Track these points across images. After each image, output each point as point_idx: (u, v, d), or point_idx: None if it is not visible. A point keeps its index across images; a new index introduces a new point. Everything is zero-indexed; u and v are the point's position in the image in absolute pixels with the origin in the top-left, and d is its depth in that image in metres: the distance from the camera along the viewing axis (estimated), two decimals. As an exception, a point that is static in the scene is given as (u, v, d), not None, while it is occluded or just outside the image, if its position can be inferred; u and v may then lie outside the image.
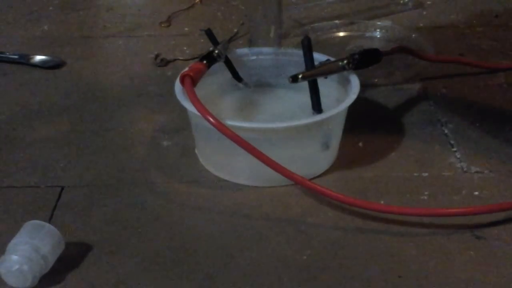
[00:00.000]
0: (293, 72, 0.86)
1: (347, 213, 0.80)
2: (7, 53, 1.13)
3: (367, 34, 1.14)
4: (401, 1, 1.25)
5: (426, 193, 0.83)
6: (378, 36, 1.14)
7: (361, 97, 0.91)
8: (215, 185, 0.85)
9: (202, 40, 1.15)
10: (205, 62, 0.86)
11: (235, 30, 1.18)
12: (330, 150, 0.86)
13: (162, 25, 1.22)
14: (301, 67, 0.88)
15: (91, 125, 0.96)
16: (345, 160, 0.88)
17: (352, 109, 0.85)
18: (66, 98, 1.03)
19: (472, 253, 0.74)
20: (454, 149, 0.90)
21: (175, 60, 1.11)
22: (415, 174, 0.86)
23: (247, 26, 1.19)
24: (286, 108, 0.91)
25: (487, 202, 0.81)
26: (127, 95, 1.03)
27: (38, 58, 1.11)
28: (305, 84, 0.87)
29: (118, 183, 0.85)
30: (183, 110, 0.85)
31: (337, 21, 1.17)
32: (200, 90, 0.83)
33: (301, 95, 0.90)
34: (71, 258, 0.74)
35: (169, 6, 1.27)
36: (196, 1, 1.29)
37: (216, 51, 0.88)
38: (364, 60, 0.90)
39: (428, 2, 1.27)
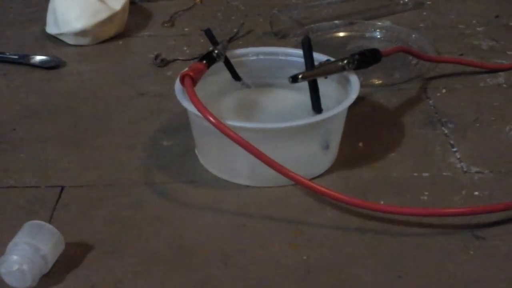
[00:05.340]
0: (293, 72, 0.86)
1: (347, 213, 0.80)
2: (7, 53, 1.13)
3: (367, 34, 1.14)
4: (401, 1, 1.25)
5: (426, 193, 0.83)
6: (378, 36, 1.14)
7: (361, 97, 0.92)
8: (215, 185, 0.85)
9: (202, 40, 1.15)
10: (204, 62, 0.86)
11: (235, 30, 1.18)
12: (330, 150, 0.86)
13: (165, 25, 1.22)
14: (301, 67, 0.88)
15: (91, 125, 0.96)
16: (345, 160, 0.88)
17: (352, 109, 0.85)
18: (66, 98, 1.03)
19: (472, 253, 0.74)
20: (454, 149, 0.90)
21: (175, 60, 1.11)
22: (415, 174, 0.86)
23: (247, 26, 1.20)
24: (286, 108, 0.91)
25: (487, 202, 0.81)
26: (127, 95, 1.03)
27: (38, 58, 1.11)
28: (305, 84, 0.87)
29: (118, 183, 0.85)
30: (183, 110, 0.85)
31: (337, 21, 1.17)
32: (200, 90, 0.83)
33: (301, 95, 0.90)
34: (71, 258, 0.74)
35: (170, 6, 1.27)
36: (196, 1, 1.29)
37: (216, 51, 0.88)
38: (364, 60, 0.90)
39: (428, 2, 1.27)
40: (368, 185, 0.84)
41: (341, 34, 1.15)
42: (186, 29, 1.21)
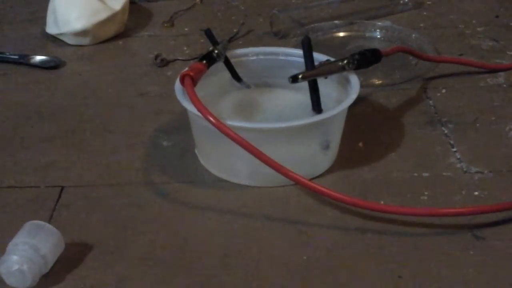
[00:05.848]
0: (293, 72, 0.86)
1: (347, 213, 0.80)
2: (7, 53, 1.13)
3: (367, 34, 1.14)
4: (401, 1, 1.25)
5: (426, 193, 0.83)
6: (378, 36, 1.14)
7: (361, 97, 0.92)
8: (215, 185, 0.85)
9: (202, 40, 1.15)
10: (204, 62, 0.86)
11: (235, 30, 1.18)
12: (330, 150, 0.86)
13: (165, 25, 1.22)
14: (301, 67, 0.88)
15: (91, 125, 0.96)
16: (345, 160, 0.88)
17: (352, 109, 0.85)
18: (66, 98, 1.03)
19: (472, 253, 0.74)
20: (454, 149, 0.90)
21: (175, 60, 1.11)
22: (415, 174, 0.86)
23: (247, 26, 1.20)
24: (286, 108, 0.91)
25: (487, 202, 0.81)
26: (127, 95, 1.03)
27: (38, 58, 1.11)
28: (305, 84, 0.87)
29: (118, 183, 0.85)
30: (183, 110, 0.85)
31: (337, 21, 1.17)
32: (200, 90, 0.83)
33: (301, 95, 0.90)
34: (71, 258, 0.74)
35: (170, 6, 1.27)
36: (196, 1, 1.29)
37: (216, 51, 0.88)
38: (364, 60, 0.90)
39: (428, 2, 1.27)
40: (368, 185, 0.84)
41: (341, 34, 1.15)
42: (186, 29, 1.21)
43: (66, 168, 0.88)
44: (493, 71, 1.06)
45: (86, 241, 0.76)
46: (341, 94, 0.88)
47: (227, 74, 0.92)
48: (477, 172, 0.86)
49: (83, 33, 1.14)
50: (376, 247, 0.75)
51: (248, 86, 0.93)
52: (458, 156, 0.88)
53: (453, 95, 1.01)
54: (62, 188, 0.85)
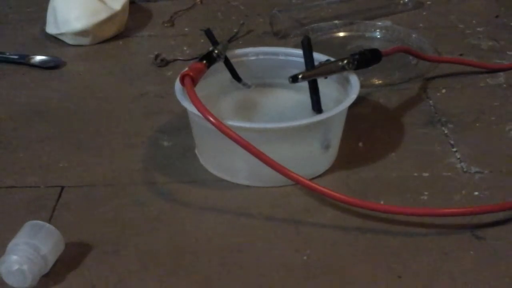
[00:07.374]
0: (293, 72, 0.86)
1: (347, 213, 0.80)
2: (7, 53, 1.13)
3: (367, 34, 1.14)
4: (401, 1, 1.25)
5: (426, 193, 0.83)
6: (378, 36, 1.14)
7: (361, 97, 0.92)
8: (215, 185, 0.85)
9: (202, 40, 1.15)
10: (204, 62, 0.86)
11: (235, 30, 1.18)
12: (330, 150, 0.86)
13: (165, 25, 1.22)
14: (301, 67, 0.88)
15: (91, 125, 0.96)
16: (345, 160, 0.88)
17: (352, 109, 0.85)
18: (66, 98, 1.03)
19: (472, 253, 0.74)
20: (454, 149, 0.90)
21: (175, 60, 1.11)
22: (415, 174, 0.86)
23: (247, 26, 1.20)
24: (286, 108, 0.91)
25: (487, 202, 0.81)
26: (127, 95, 1.03)
27: (38, 58, 1.11)
28: (305, 84, 0.87)
29: (118, 183, 0.85)
30: (183, 110, 0.85)
31: (337, 21, 1.17)
32: (200, 90, 0.83)
33: (301, 95, 0.90)
34: (71, 258, 0.74)
35: (170, 6, 1.27)
36: (196, 1, 1.29)
37: (216, 51, 0.88)
38: (364, 60, 0.90)
39: (428, 2, 1.27)
40: (368, 185, 0.84)
41: (341, 34, 1.15)
42: (186, 29, 1.21)
43: (66, 168, 0.88)
44: (493, 71, 1.06)
45: (86, 241, 0.76)
46: (341, 94, 0.88)
47: (227, 74, 0.92)
48: (477, 172, 0.86)
49: (83, 33, 1.14)
50: (376, 247, 0.75)
51: (248, 86, 0.93)
52: (458, 156, 0.88)
53: (453, 95, 1.01)
54: (62, 188, 0.85)
